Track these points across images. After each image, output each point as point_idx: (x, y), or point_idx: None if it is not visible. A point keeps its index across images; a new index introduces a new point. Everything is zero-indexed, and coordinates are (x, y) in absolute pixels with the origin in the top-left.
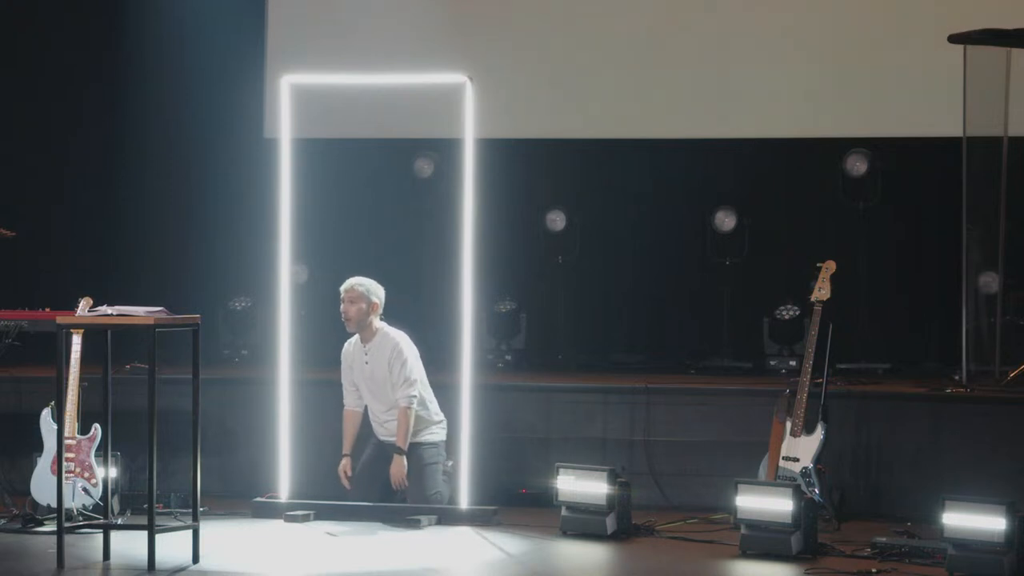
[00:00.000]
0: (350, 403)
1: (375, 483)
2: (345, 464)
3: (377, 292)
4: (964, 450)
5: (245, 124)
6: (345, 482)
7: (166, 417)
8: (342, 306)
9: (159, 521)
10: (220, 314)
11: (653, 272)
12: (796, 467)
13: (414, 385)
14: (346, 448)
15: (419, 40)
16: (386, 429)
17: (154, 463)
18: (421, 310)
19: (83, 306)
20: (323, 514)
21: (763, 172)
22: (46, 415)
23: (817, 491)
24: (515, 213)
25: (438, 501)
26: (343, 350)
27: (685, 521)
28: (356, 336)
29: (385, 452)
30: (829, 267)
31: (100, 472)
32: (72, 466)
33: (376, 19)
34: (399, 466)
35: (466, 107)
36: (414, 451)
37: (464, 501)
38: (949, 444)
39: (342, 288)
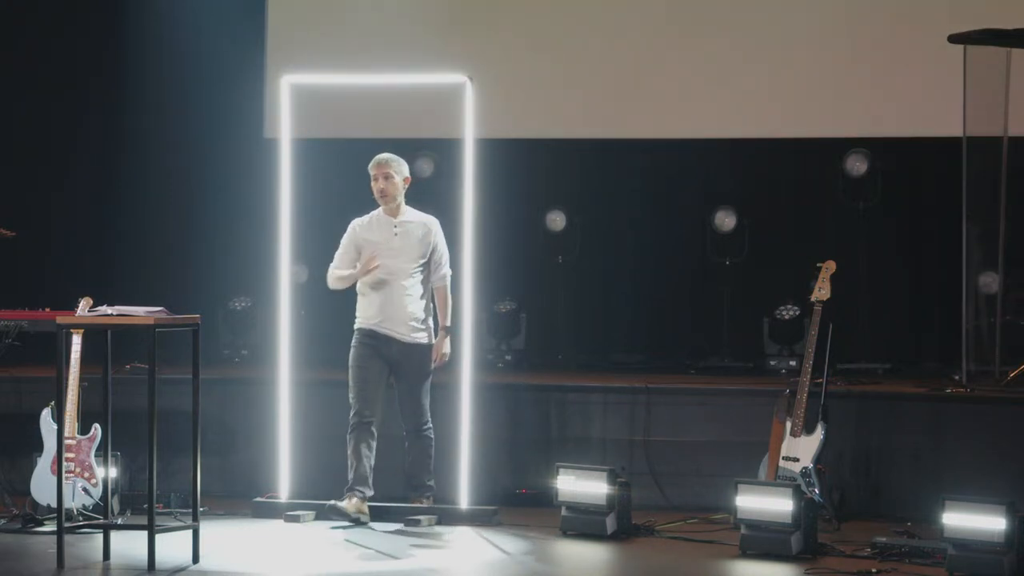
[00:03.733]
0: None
1: (383, 391)
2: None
3: (405, 168)
4: (964, 450)
5: (245, 124)
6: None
7: (166, 417)
8: (376, 183)
9: (159, 521)
10: (220, 314)
11: (653, 272)
12: (796, 467)
13: (449, 266)
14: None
15: (419, 40)
16: (386, 311)
17: (154, 463)
18: None
19: (83, 306)
20: (323, 514)
21: (763, 172)
22: (46, 415)
23: (817, 491)
24: (515, 213)
25: (425, 422)
26: (354, 226)
27: (685, 521)
28: (373, 214)
29: (382, 361)
30: (829, 267)
31: (100, 472)
32: (72, 466)
33: (376, 19)
34: (444, 344)
35: (466, 107)
36: (421, 352)
37: (464, 501)
38: (949, 444)
39: (372, 165)
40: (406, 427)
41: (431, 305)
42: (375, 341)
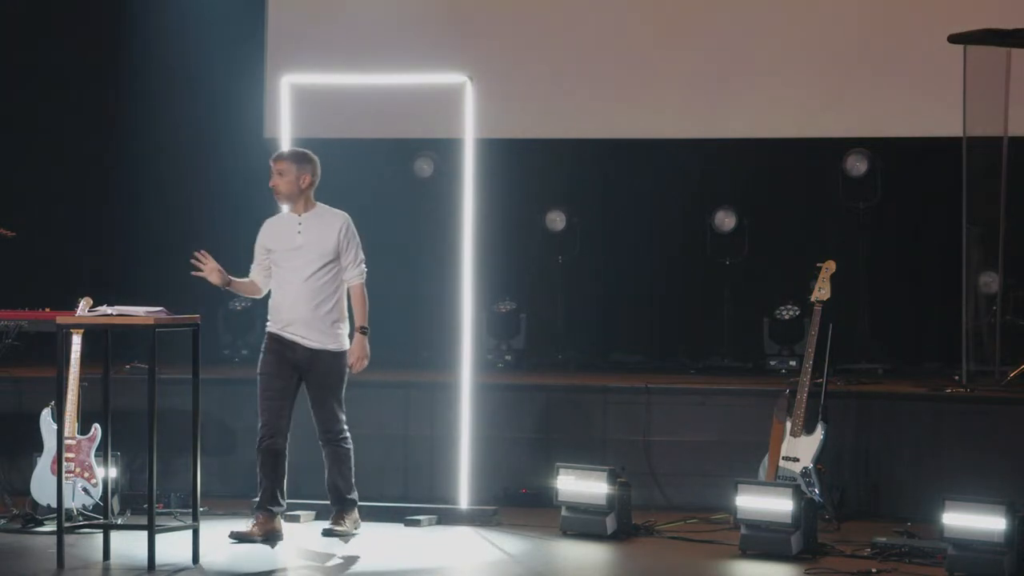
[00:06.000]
0: (256, 276)
1: (288, 405)
2: (217, 270)
3: (308, 166)
4: (964, 450)
5: (245, 124)
6: (202, 261)
7: (166, 417)
8: (271, 179)
9: (159, 521)
10: (220, 314)
11: (653, 272)
12: (796, 467)
13: (364, 264)
14: (230, 278)
15: (419, 40)
16: (292, 313)
17: (154, 463)
18: (421, 310)
19: (83, 306)
20: (323, 514)
21: (763, 172)
22: (46, 415)
23: (817, 491)
24: (515, 213)
25: (340, 430)
26: (262, 227)
27: (685, 521)
28: (283, 212)
29: (290, 368)
30: (829, 267)
31: (100, 472)
32: (72, 466)
33: (376, 19)
34: (362, 346)
35: (466, 107)
36: (330, 358)
37: (464, 501)
38: (949, 444)
39: (271, 158)
40: (319, 436)
41: (345, 306)
42: (281, 347)
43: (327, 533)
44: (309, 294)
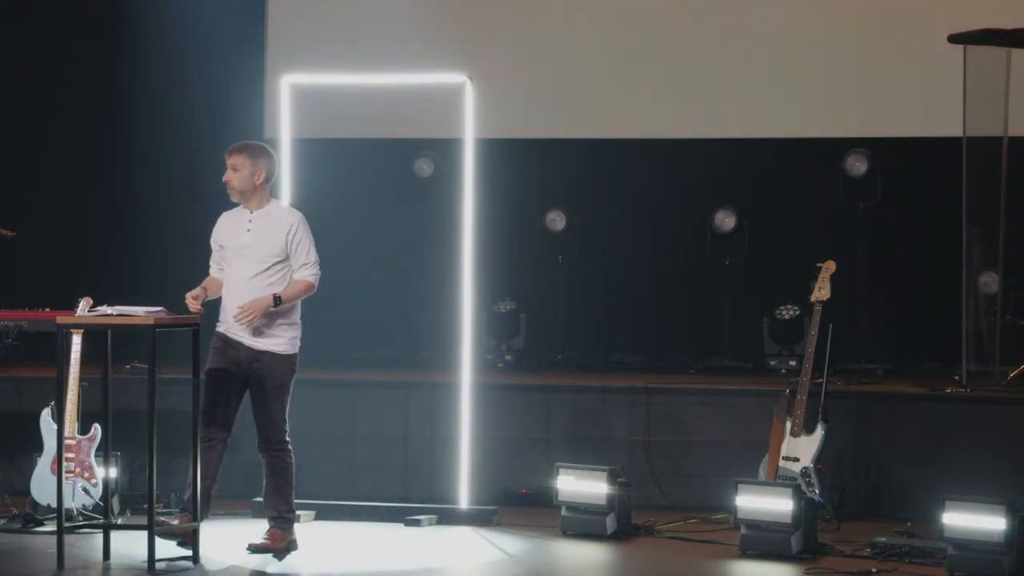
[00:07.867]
0: (216, 273)
1: (232, 408)
2: (197, 291)
3: (263, 161)
4: (964, 450)
5: (245, 124)
6: (191, 303)
7: (166, 417)
8: (225, 174)
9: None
10: None
11: (653, 272)
12: (796, 467)
13: (318, 266)
14: (204, 289)
15: (419, 40)
16: (238, 310)
17: (154, 463)
18: (421, 310)
19: (83, 306)
20: (323, 514)
21: (763, 172)
22: (46, 415)
23: (817, 491)
24: (515, 213)
25: (278, 439)
26: (218, 221)
27: (685, 521)
28: (238, 207)
29: (234, 367)
30: (829, 267)
31: (100, 472)
32: (72, 466)
33: (376, 19)
34: (260, 303)
35: (466, 107)
36: (274, 361)
37: (464, 501)
38: (949, 444)
39: (226, 151)
40: (257, 443)
41: (294, 309)
42: (225, 346)
43: (254, 550)
44: (252, 295)
